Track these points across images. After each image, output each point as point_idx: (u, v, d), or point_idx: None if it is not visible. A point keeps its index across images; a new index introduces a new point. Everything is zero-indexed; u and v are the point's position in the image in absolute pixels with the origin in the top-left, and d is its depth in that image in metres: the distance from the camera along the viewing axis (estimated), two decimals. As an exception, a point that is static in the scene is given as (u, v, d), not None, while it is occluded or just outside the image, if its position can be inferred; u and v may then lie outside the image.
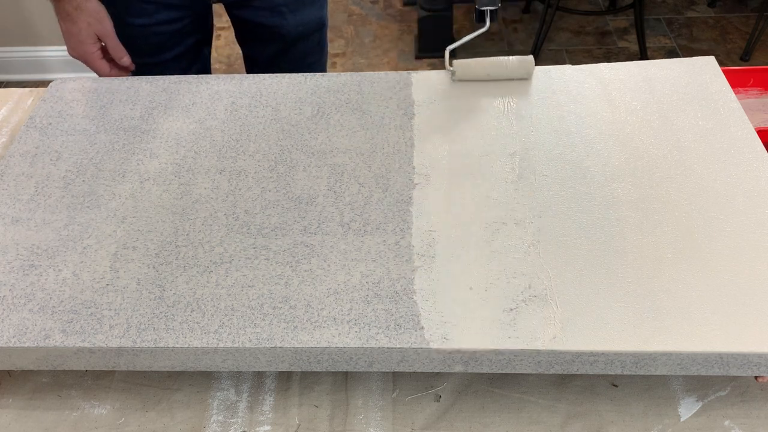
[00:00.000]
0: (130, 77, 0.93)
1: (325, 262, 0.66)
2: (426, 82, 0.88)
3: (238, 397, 0.66)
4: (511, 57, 0.86)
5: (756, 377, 0.63)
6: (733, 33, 2.42)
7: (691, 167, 0.73)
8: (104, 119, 0.85)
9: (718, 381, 0.65)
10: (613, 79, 0.86)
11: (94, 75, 0.96)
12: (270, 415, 0.64)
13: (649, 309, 0.60)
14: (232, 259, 0.67)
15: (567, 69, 0.88)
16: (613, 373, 0.61)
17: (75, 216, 0.72)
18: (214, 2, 1.06)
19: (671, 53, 2.34)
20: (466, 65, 0.86)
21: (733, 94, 0.82)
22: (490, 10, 0.87)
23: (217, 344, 0.60)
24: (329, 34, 1.21)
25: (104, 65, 0.95)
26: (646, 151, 0.76)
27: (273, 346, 0.60)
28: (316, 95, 0.87)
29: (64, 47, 0.95)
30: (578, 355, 0.58)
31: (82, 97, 0.88)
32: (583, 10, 2.54)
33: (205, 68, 1.14)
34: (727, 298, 0.61)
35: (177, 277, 0.66)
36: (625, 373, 0.60)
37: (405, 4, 2.66)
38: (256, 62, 1.16)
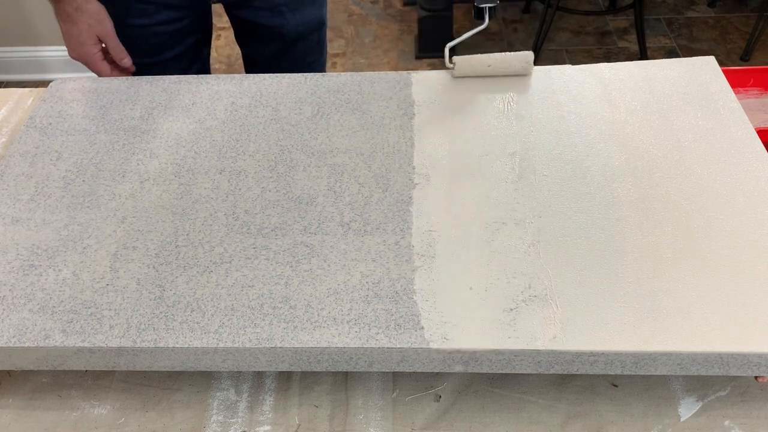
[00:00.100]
0: (130, 77, 0.93)
1: (325, 262, 0.66)
2: (426, 82, 0.88)
3: (238, 397, 0.66)
4: (510, 53, 0.86)
5: (756, 377, 0.63)
6: (733, 33, 2.42)
7: (691, 167, 0.73)
8: (104, 119, 0.85)
9: (718, 381, 0.65)
10: (613, 79, 0.86)
11: (95, 75, 0.96)
12: (270, 415, 0.64)
13: (649, 309, 0.60)
14: (232, 259, 0.67)
15: (567, 69, 0.88)
16: (613, 373, 0.61)
17: (75, 216, 0.72)
18: (214, 2, 1.06)
19: (671, 53, 2.34)
20: (465, 61, 0.86)
21: (733, 94, 0.82)
22: (489, 7, 0.87)
23: (217, 344, 0.60)
24: (329, 34, 1.21)
25: (105, 66, 0.95)
26: (646, 151, 0.76)
27: (273, 346, 0.60)
28: (316, 95, 0.87)
29: (64, 47, 0.95)
30: (578, 355, 0.58)
31: (82, 97, 0.88)
32: (583, 10, 2.54)
33: (204, 68, 1.14)
34: (727, 298, 0.61)
35: (177, 277, 0.66)
36: (625, 373, 0.60)
37: (405, 4, 2.66)
38: (255, 62, 1.16)
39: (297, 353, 0.60)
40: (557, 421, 0.63)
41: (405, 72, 0.89)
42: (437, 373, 0.67)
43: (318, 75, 0.90)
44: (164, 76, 0.91)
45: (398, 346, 0.59)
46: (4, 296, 0.65)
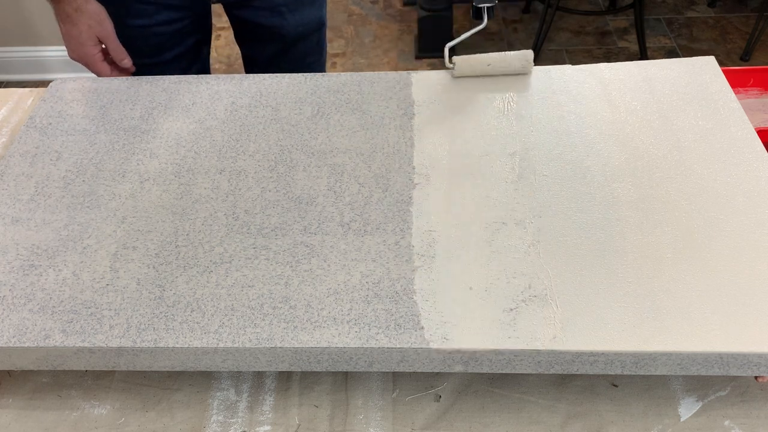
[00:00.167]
0: (130, 77, 0.93)
1: (325, 262, 0.66)
2: (426, 82, 0.88)
3: (238, 397, 0.66)
4: (510, 52, 0.87)
5: (756, 377, 0.63)
6: (733, 33, 2.42)
7: (691, 167, 0.73)
8: (104, 119, 0.85)
9: (718, 381, 0.65)
10: (613, 79, 0.86)
11: (95, 75, 0.96)
12: (270, 415, 0.64)
13: (649, 309, 0.60)
14: (232, 259, 0.67)
15: (567, 69, 0.88)
16: (613, 373, 0.61)
17: (75, 216, 0.72)
18: (214, 2, 1.06)
19: (671, 53, 2.34)
20: (465, 61, 0.87)
21: (733, 94, 0.82)
22: (487, 7, 0.87)
23: (217, 344, 0.60)
24: (329, 34, 1.21)
25: (105, 67, 0.95)
26: (646, 151, 0.76)
27: (273, 346, 0.60)
28: (316, 95, 0.87)
29: (64, 47, 0.95)
30: (578, 355, 0.58)
31: (82, 97, 0.88)
32: (583, 10, 2.54)
33: (204, 68, 1.14)
34: (727, 298, 0.61)
35: (177, 277, 0.66)
36: (625, 373, 0.60)
37: (405, 4, 2.66)
38: (255, 62, 1.16)
39: (297, 353, 0.60)
40: (557, 421, 0.63)
41: (405, 72, 0.90)
42: (437, 373, 0.67)
43: (318, 75, 0.90)
44: (164, 76, 0.91)
45: (398, 346, 0.59)
46: (4, 296, 0.65)
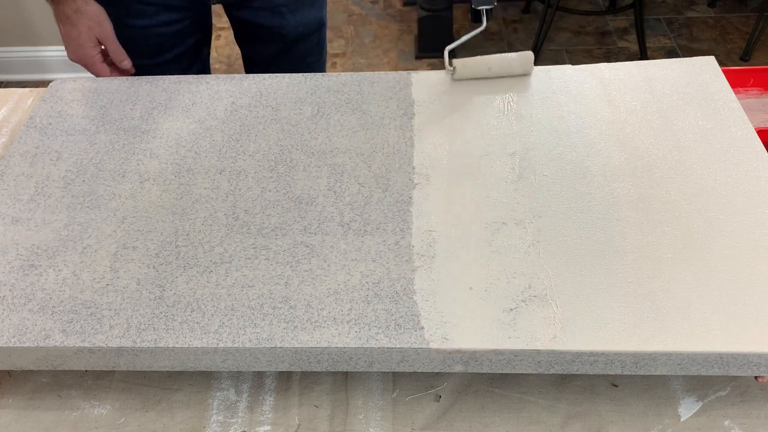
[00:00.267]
0: (130, 77, 0.93)
1: (325, 262, 0.66)
2: (426, 82, 0.88)
3: (238, 397, 0.66)
4: (510, 54, 0.86)
5: (756, 377, 0.63)
6: (733, 33, 2.42)
7: (691, 167, 0.73)
8: (104, 119, 0.85)
9: (718, 381, 0.65)
10: (613, 79, 0.86)
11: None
12: (270, 415, 0.64)
13: (649, 309, 0.60)
14: (232, 259, 0.67)
15: (567, 69, 0.88)
16: (613, 373, 0.61)
17: (75, 216, 0.72)
18: (214, 3, 1.06)
19: (671, 53, 2.34)
20: (465, 63, 0.86)
21: (733, 94, 0.82)
22: (486, 9, 0.87)
23: (217, 344, 0.60)
24: (329, 34, 1.21)
25: (105, 69, 0.95)
26: (646, 151, 0.76)
27: (273, 346, 0.60)
28: (316, 95, 0.87)
29: (64, 47, 0.95)
30: (578, 355, 0.58)
31: (82, 97, 0.88)
32: (583, 10, 2.54)
33: (204, 68, 1.14)
34: (727, 298, 0.61)
35: (177, 277, 0.66)
36: (625, 373, 0.60)
37: (405, 4, 2.66)
38: (255, 62, 1.16)
39: (297, 353, 0.60)
40: (557, 421, 0.63)
41: (405, 72, 0.90)
42: (437, 373, 0.67)
43: (318, 75, 0.90)
44: (164, 76, 0.91)
45: (398, 346, 0.59)
46: (4, 296, 0.65)
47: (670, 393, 0.65)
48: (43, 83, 2.00)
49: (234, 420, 0.64)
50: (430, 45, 2.36)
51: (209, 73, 1.18)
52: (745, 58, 2.29)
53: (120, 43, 0.94)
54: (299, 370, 0.63)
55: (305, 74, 0.90)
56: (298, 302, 0.63)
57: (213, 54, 2.16)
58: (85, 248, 0.69)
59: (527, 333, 0.59)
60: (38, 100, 0.98)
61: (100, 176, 0.77)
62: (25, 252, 0.69)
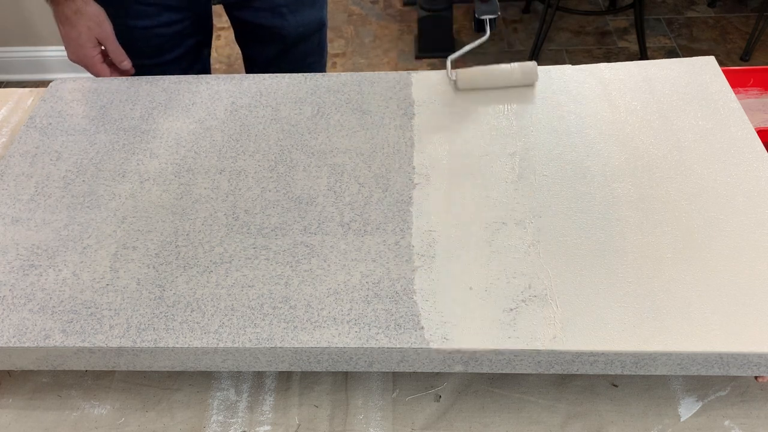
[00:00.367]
0: (130, 77, 0.93)
1: (325, 262, 0.66)
2: (426, 82, 0.88)
3: (238, 397, 0.66)
4: (514, 64, 0.85)
5: (756, 377, 0.63)
6: (733, 33, 2.42)
7: (691, 167, 0.73)
8: (104, 119, 0.85)
9: (718, 381, 0.65)
10: (613, 79, 0.86)
11: (94, 76, 0.96)
12: (270, 415, 0.64)
13: (649, 309, 0.60)
14: (232, 259, 0.67)
15: (567, 69, 0.88)
16: (613, 373, 0.61)
17: (75, 216, 0.72)
18: (215, 3, 1.06)
19: (671, 53, 2.34)
20: (468, 75, 0.85)
21: (733, 94, 0.82)
22: (490, 19, 0.86)
23: (217, 344, 0.60)
24: (329, 35, 1.21)
25: (104, 69, 0.95)
26: (646, 151, 0.76)
27: (273, 346, 0.60)
28: (316, 95, 0.87)
29: (64, 48, 0.95)
30: (578, 355, 0.58)
31: (82, 97, 0.88)
32: (583, 10, 2.54)
33: (205, 69, 1.14)
34: (727, 298, 0.61)
35: (177, 277, 0.66)
36: (625, 373, 0.60)
37: (405, 4, 2.66)
38: (255, 63, 1.16)
39: (297, 353, 0.60)
40: (557, 421, 0.63)
41: (405, 72, 0.90)
42: (437, 373, 0.67)
43: (318, 75, 0.90)
44: (164, 76, 0.91)
45: (398, 346, 0.59)
46: (4, 296, 0.65)
47: (670, 393, 0.65)
48: (43, 83, 2.00)
49: (234, 420, 0.64)
50: (430, 45, 2.36)
51: (209, 73, 1.18)
52: (745, 58, 2.29)
53: (120, 43, 0.94)
54: (299, 370, 0.63)
55: (305, 74, 0.90)
56: (298, 302, 0.63)
57: (213, 54, 2.16)
58: (85, 248, 0.69)
59: (527, 333, 0.59)
60: (38, 100, 0.98)
61: (100, 176, 0.77)
62: (25, 252, 0.69)
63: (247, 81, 0.89)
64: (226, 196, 0.73)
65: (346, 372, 0.67)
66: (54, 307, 0.64)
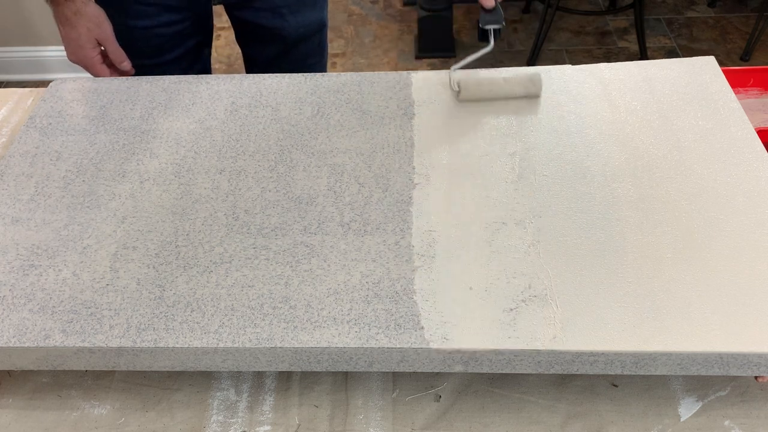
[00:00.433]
0: (130, 77, 0.93)
1: (325, 262, 0.66)
2: (426, 82, 0.88)
3: (238, 397, 0.66)
4: (519, 75, 0.83)
5: (756, 377, 0.63)
6: (733, 33, 2.42)
7: (691, 167, 0.73)
8: (104, 119, 0.85)
9: (718, 381, 0.65)
10: (613, 79, 0.86)
11: (94, 76, 0.96)
12: (270, 415, 0.64)
13: (649, 309, 0.60)
14: (232, 259, 0.67)
15: (567, 69, 0.88)
16: (613, 373, 0.61)
17: (75, 216, 0.72)
18: (215, 3, 1.06)
19: (671, 53, 2.34)
20: (471, 88, 0.84)
21: (733, 94, 0.82)
22: (494, 29, 0.85)
23: (217, 344, 0.60)
24: (329, 35, 1.21)
25: (104, 70, 0.95)
26: (646, 151, 0.76)
27: (273, 346, 0.60)
28: (316, 95, 0.87)
29: (64, 48, 0.95)
30: (578, 355, 0.58)
31: (82, 97, 0.88)
32: (583, 10, 2.54)
33: (205, 69, 1.14)
34: (727, 298, 0.61)
35: (177, 277, 0.66)
36: (625, 373, 0.60)
37: (405, 4, 2.66)
38: (256, 63, 1.16)
39: (297, 353, 0.60)
40: (557, 421, 0.63)
41: (405, 72, 0.90)
42: (437, 373, 0.67)
43: (318, 75, 0.90)
44: (164, 76, 0.91)
45: (398, 346, 0.59)
46: (4, 296, 0.65)
47: (670, 393, 0.65)
48: (43, 83, 2.00)
49: (234, 420, 0.64)
50: (430, 45, 2.36)
51: (209, 73, 1.18)
52: (745, 58, 2.29)
53: (121, 43, 0.94)
54: (299, 370, 0.63)
55: (305, 74, 0.90)
56: (298, 302, 0.63)
57: (213, 54, 2.16)
58: (85, 248, 0.69)
59: (527, 333, 0.59)
60: (38, 100, 0.98)
61: (100, 176, 0.77)
62: (25, 252, 0.69)
63: (247, 81, 0.89)
64: (226, 196, 0.73)
65: (346, 372, 0.67)
66: (54, 307, 0.64)
